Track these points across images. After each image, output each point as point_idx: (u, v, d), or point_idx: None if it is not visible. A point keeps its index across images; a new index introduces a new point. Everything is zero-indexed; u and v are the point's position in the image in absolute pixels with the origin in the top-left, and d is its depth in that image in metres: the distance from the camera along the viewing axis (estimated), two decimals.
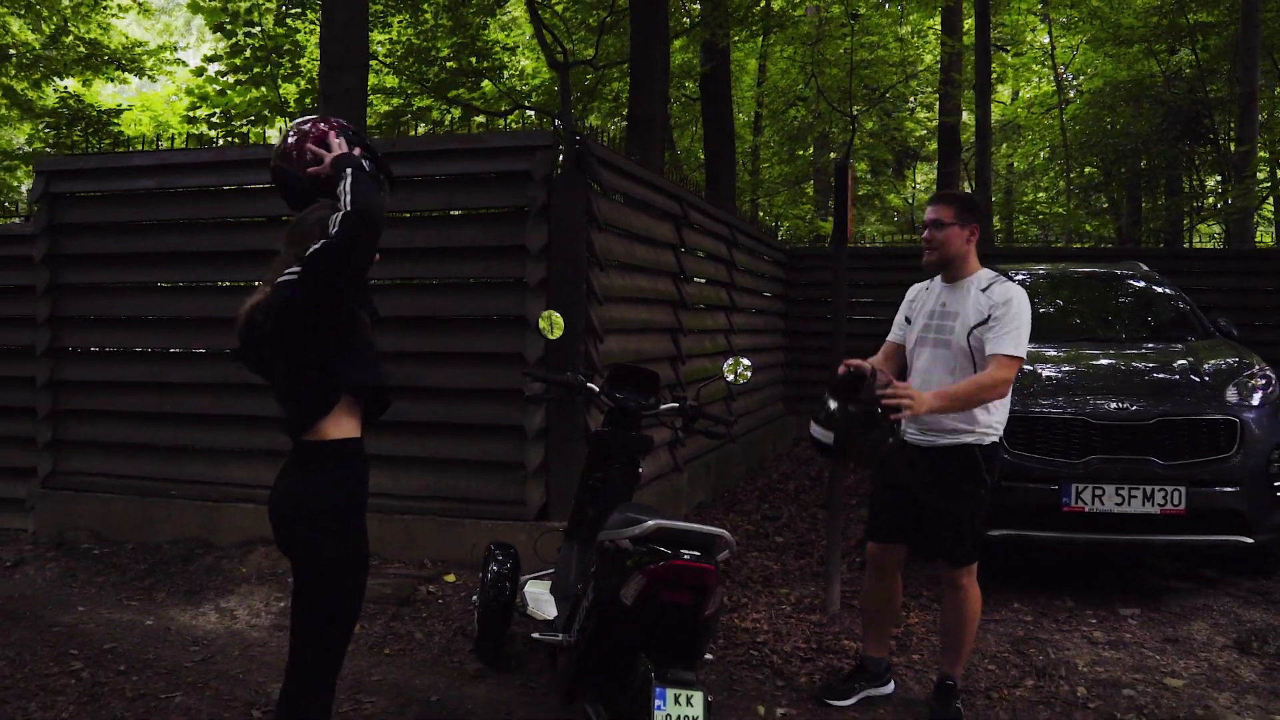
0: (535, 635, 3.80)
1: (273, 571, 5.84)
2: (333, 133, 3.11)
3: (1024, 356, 3.88)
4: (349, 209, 2.78)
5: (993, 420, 3.98)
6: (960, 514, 4.00)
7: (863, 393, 3.67)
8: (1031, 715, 4.21)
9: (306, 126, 3.15)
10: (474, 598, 4.85)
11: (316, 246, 2.79)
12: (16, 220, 9.21)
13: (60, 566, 6.20)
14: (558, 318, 4.20)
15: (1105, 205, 23.53)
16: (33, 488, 6.93)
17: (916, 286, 4.35)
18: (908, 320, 4.31)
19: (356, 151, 3.06)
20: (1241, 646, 4.93)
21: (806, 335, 11.77)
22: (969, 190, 22.54)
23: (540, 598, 4.32)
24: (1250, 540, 5.40)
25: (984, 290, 3.99)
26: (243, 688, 4.40)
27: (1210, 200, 23.60)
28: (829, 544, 5.35)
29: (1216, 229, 25.76)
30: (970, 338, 3.95)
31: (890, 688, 4.37)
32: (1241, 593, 5.74)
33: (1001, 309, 3.89)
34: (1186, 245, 19.91)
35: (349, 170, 2.87)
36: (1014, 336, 3.85)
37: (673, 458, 7.06)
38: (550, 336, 4.24)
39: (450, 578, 5.65)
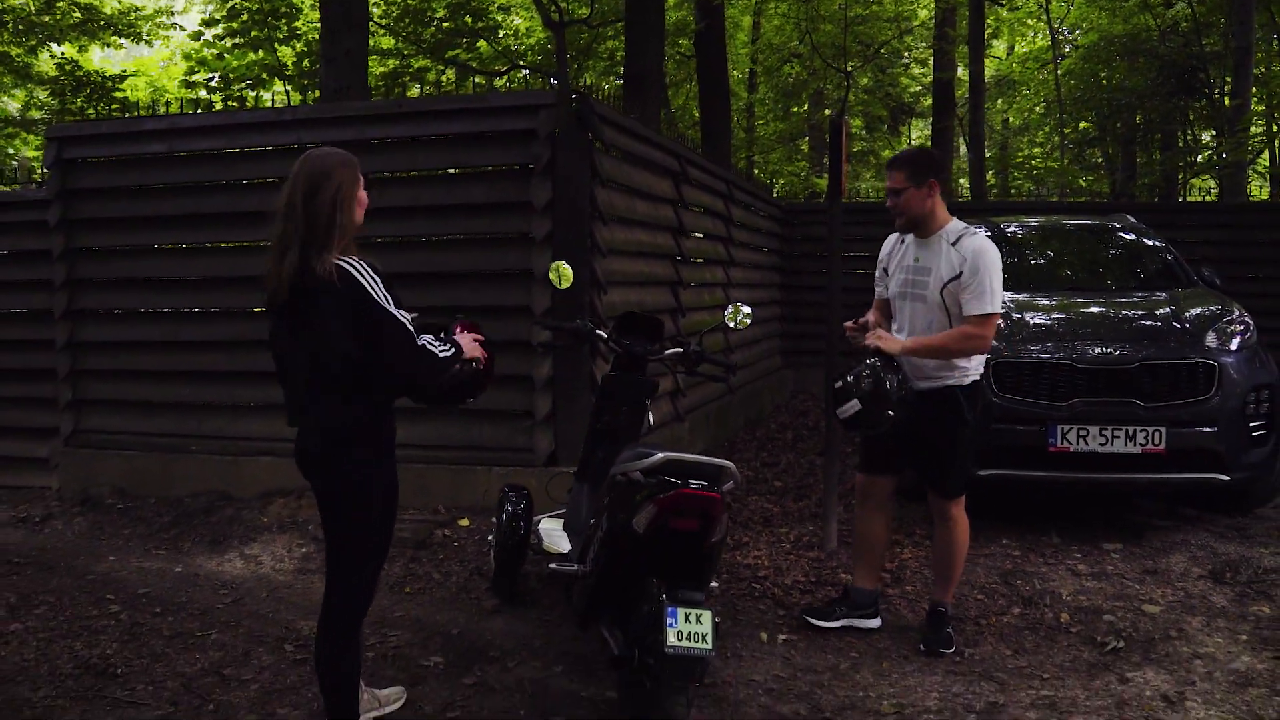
0: (552, 566, 4.07)
1: (293, 520, 6.10)
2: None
3: (999, 310, 4.12)
4: (439, 364, 3.12)
5: (971, 363, 4.24)
6: (945, 449, 4.28)
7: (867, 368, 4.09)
8: (1018, 640, 4.49)
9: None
10: (489, 538, 5.10)
11: (407, 342, 3.03)
12: (17, 187, 9.36)
13: (87, 521, 6.45)
14: (566, 269, 4.40)
15: (1099, 160, 23.61)
16: (55, 446, 7.16)
17: (891, 238, 4.58)
18: (886, 272, 4.56)
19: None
20: (1215, 576, 5.20)
21: (803, 290, 11.99)
22: (963, 147, 22.65)
23: (554, 533, 4.58)
24: (1226, 478, 5.66)
25: (954, 245, 4.21)
26: (274, 625, 4.66)
27: (1204, 155, 23.70)
28: (826, 486, 5.61)
29: (1211, 184, 25.89)
30: (944, 293, 4.19)
31: (876, 622, 4.58)
32: (1219, 529, 6.01)
33: (971, 268, 4.10)
34: (1181, 200, 20.02)
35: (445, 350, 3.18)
36: (987, 295, 4.08)
37: (674, 407, 7.31)
38: (560, 287, 4.45)
39: (464, 522, 5.90)
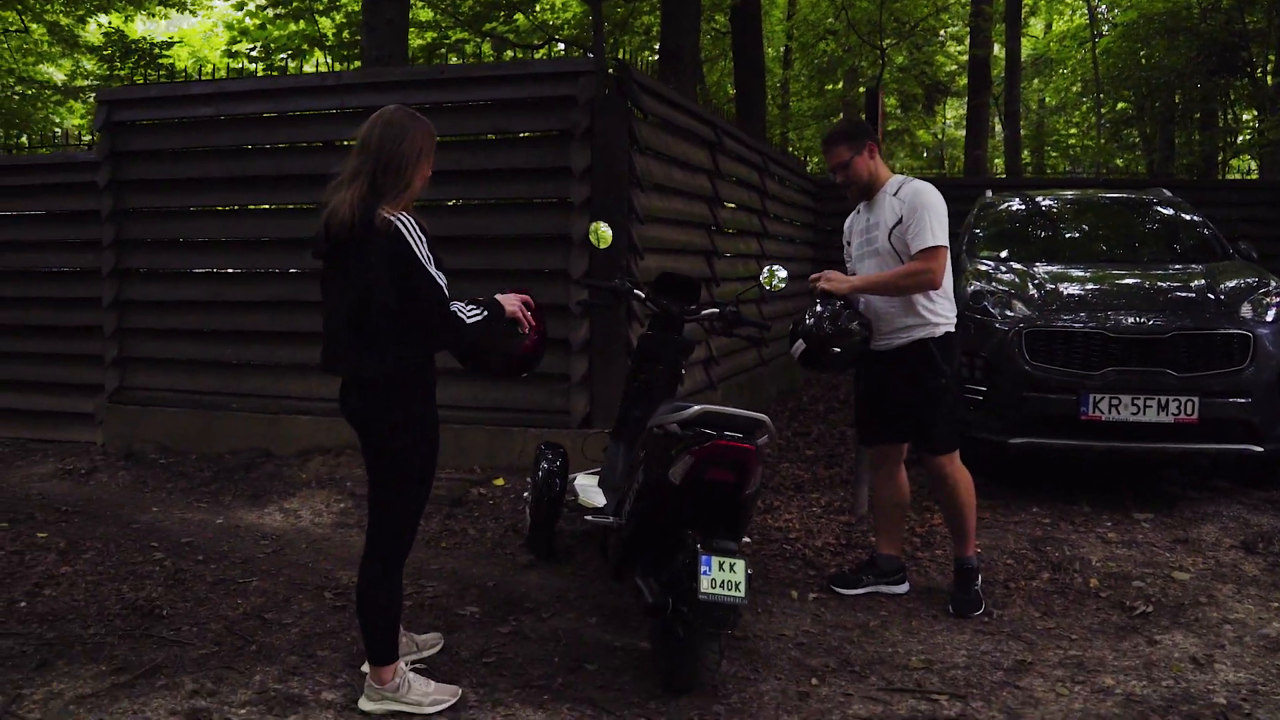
0: (588, 518, 4.15)
1: (331, 477, 6.22)
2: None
3: (943, 243, 4.19)
4: (464, 329, 3.23)
5: (939, 311, 4.31)
6: (922, 402, 4.34)
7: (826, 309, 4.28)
8: (1047, 603, 4.53)
9: None
10: (525, 495, 5.19)
11: (439, 303, 3.14)
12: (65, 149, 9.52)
13: (131, 475, 6.61)
14: (605, 230, 4.46)
15: (1136, 140, 23.36)
16: (101, 403, 7.33)
17: (851, 215, 4.72)
18: (848, 244, 4.71)
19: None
20: (1248, 547, 5.21)
21: (835, 265, 11.86)
22: (998, 126, 22.44)
23: (590, 489, 4.66)
24: (1259, 449, 5.65)
25: (895, 194, 4.35)
26: (313, 575, 4.78)
27: (1244, 134, 23.37)
28: (857, 452, 5.66)
29: (1251, 164, 25.55)
30: (892, 239, 4.31)
31: (903, 588, 4.62)
32: (1252, 501, 6.00)
33: (909, 208, 4.24)
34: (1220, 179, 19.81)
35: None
36: (927, 231, 4.19)
37: (707, 375, 7.37)
38: (599, 247, 4.51)
39: (499, 481, 6.00)
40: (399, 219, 3.12)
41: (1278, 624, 4.26)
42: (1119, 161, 23.25)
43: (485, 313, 3.32)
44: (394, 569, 3.40)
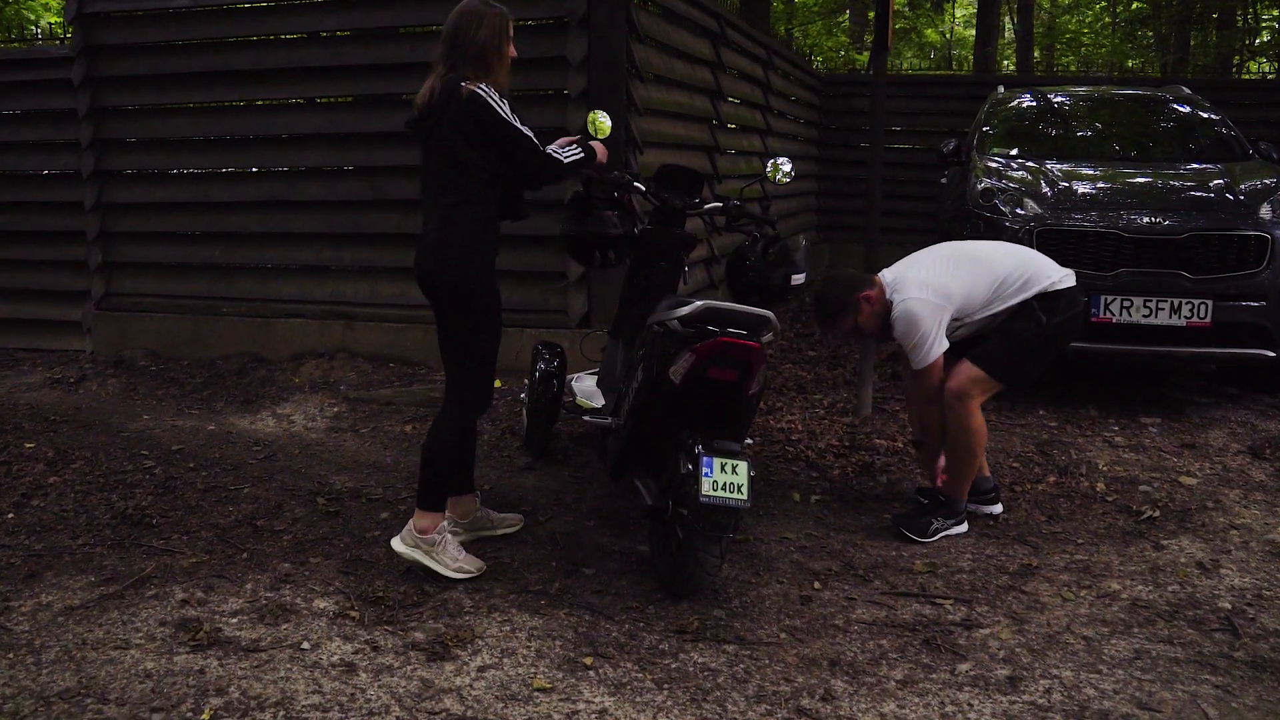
0: (586, 418, 4.02)
1: (325, 381, 6.10)
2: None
3: (936, 357, 3.95)
4: (561, 167, 3.63)
5: (1026, 287, 4.04)
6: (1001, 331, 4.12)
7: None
8: (1053, 506, 4.45)
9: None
10: (521, 396, 5.08)
11: (532, 151, 3.50)
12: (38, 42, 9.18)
13: (121, 382, 6.47)
14: (604, 119, 4.25)
15: (1151, 40, 22.75)
16: (88, 310, 7.16)
17: None
18: None
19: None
20: (1255, 452, 5.12)
21: (840, 164, 11.76)
22: (1008, 25, 21.82)
23: (588, 389, 4.54)
24: (1273, 354, 5.53)
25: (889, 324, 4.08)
26: (305, 480, 4.69)
27: (1264, 36, 22.73)
28: (862, 353, 5.54)
29: (1267, 67, 24.95)
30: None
31: (998, 508, 4.33)
32: (1260, 407, 5.90)
33: (902, 336, 4.01)
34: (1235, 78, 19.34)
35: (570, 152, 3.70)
36: (910, 347, 3.99)
37: (708, 274, 7.21)
38: (597, 138, 4.31)
39: (496, 383, 5.87)
40: (479, 88, 3.43)
41: None
42: (1130, 63, 22.67)
43: (582, 153, 3.69)
44: (463, 420, 3.66)
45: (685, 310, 3.29)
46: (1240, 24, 20.36)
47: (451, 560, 3.54)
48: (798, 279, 4.24)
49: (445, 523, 3.61)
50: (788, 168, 4.43)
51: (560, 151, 3.62)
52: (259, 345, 6.58)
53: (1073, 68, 24.85)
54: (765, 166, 4.48)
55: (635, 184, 4.33)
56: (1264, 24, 20.96)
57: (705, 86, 7.29)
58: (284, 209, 6.54)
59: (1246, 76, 22.98)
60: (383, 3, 6.20)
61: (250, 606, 3.39)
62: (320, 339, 6.40)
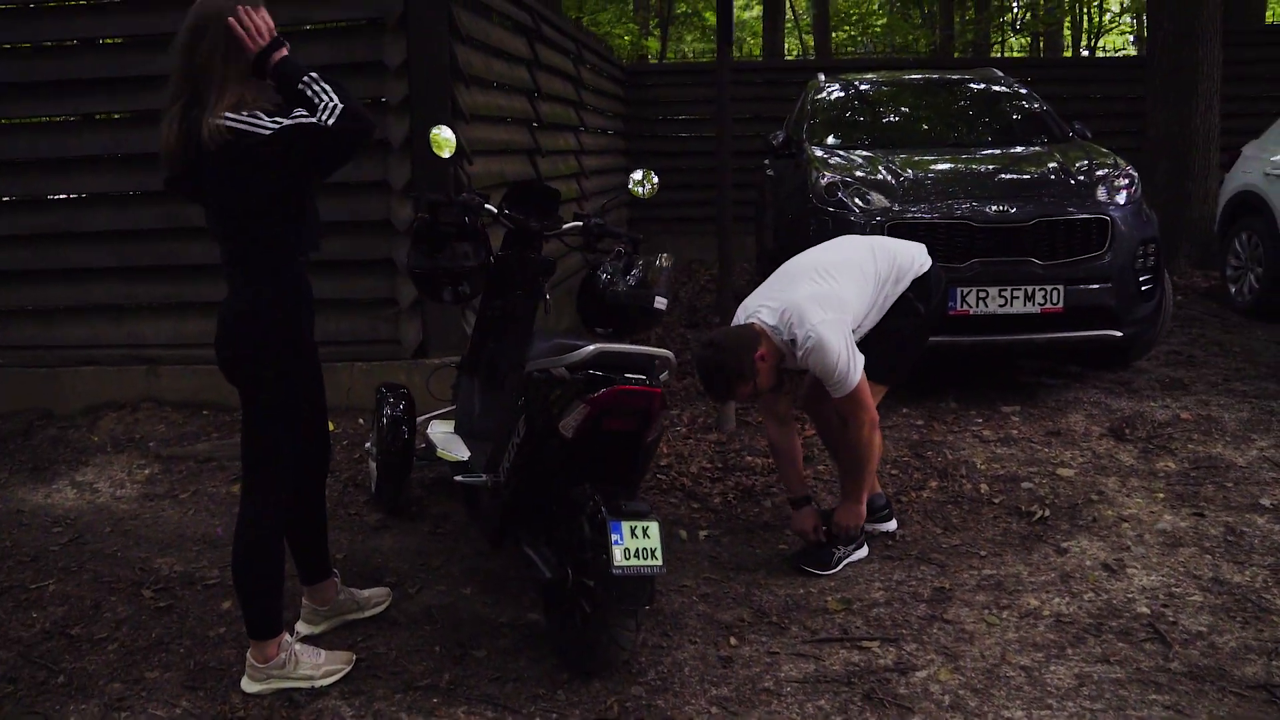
0: (458, 478, 3.53)
1: (129, 437, 5.35)
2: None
3: (858, 376, 3.59)
4: (347, 106, 2.78)
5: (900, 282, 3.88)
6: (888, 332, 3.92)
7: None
8: (944, 515, 4.30)
9: None
10: (366, 445, 4.55)
11: (306, 121, 2.74)
12: None
13: None
14: (446, 135, 3.78)
15: (919, 22, 23.74)
16: None
17: None
18: None
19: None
20: (1116, 434, 5.15)
21: (645, 155, 11.63)
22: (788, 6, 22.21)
23: (447, 438, 4.05)
24: (1119, 334, 5.62)
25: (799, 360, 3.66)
26: (124, 567, 3.99)
27: (1019, 12, 24.17)
28: None
29: (1025, 42, 26.54)
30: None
31: (892, 525, 4.14)
32: (1105, 384, 6.00)
33: (819, 369, 3.59)
34: (996, 56, 20.43)
35: (313, 75, 2.83)
36: (836, 378, 3.57)
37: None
38: (442, 156, 3.82)
39: (330, 425, 5.29)
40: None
41: (1169, 517, 4.18)
42: (899, 39, 23.64)
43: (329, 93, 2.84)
44: (277, 514, 3.02)
45: (575, 356, 2.88)
46: (997, 3, 21.61)
47: (314, 669, 3.02)
48: (661, 303, 3.88)
49: (287, 636, 3.05)
50: (655, 179, 4.08)
51: (305, 116, 2.78)
52: (46, 399, 5.72)
53: (849, 48, 25.66)
54: (631, 178, 4.11)
55: (486, 205, 3.88)
56: (1020, 5, 22.39)
57: (524, 86, 6.88)
58: (67, 242, 5.71)
59: (1010, 55, 24.41)
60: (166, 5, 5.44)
61: None
62: (119, 388, 5.62)
